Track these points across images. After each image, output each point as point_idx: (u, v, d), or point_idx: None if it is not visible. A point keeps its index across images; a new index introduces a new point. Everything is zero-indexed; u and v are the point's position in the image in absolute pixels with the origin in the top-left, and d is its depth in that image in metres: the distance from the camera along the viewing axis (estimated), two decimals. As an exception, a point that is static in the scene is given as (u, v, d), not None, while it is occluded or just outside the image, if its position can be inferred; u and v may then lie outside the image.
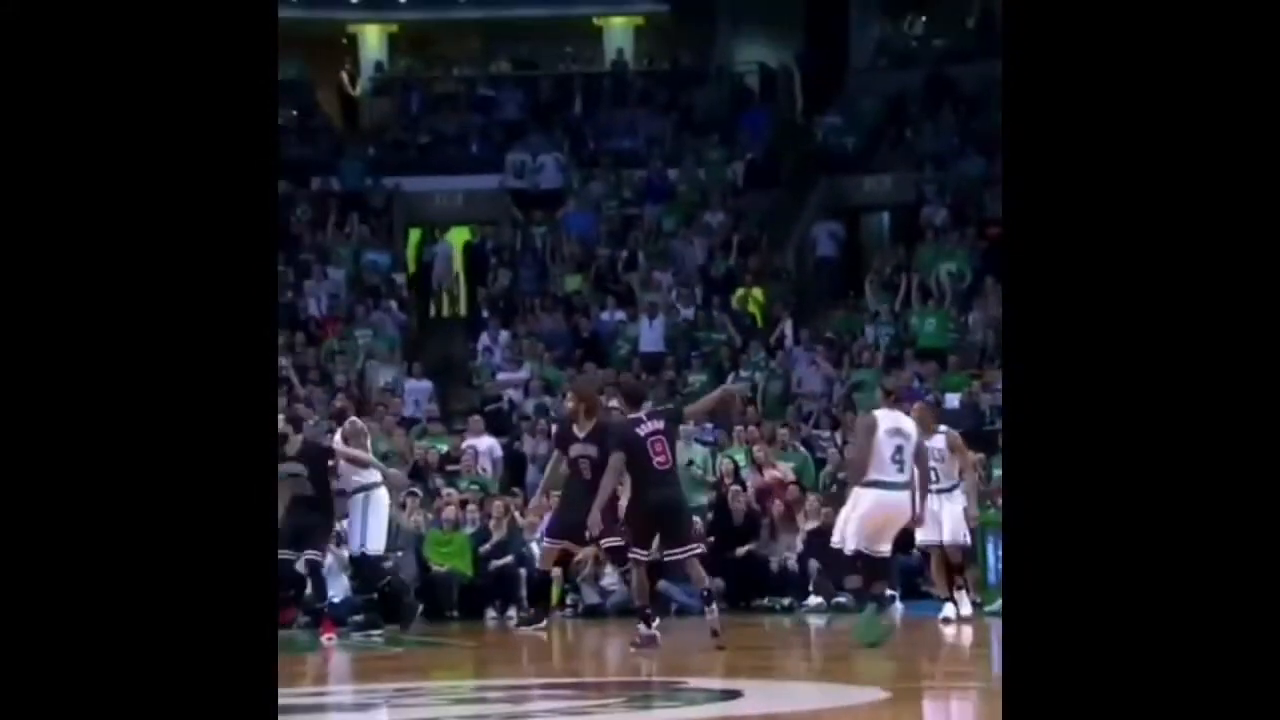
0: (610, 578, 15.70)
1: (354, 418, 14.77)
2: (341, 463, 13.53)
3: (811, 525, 16.38)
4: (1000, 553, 14.64)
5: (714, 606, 11.36)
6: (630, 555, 11.39)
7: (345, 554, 15.01)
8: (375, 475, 13.79)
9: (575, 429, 12.57)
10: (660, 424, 11.19)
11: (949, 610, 13.22)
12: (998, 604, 14.53)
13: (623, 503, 11.84)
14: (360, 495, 13.59)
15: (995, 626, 13.74)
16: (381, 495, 13.82)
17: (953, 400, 18.06)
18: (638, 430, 11.07)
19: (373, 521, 13.69)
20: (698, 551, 11.46)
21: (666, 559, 11.60)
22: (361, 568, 14.12)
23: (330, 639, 13.22)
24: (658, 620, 11.55)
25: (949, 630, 12.80)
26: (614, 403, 18.34)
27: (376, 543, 13.83)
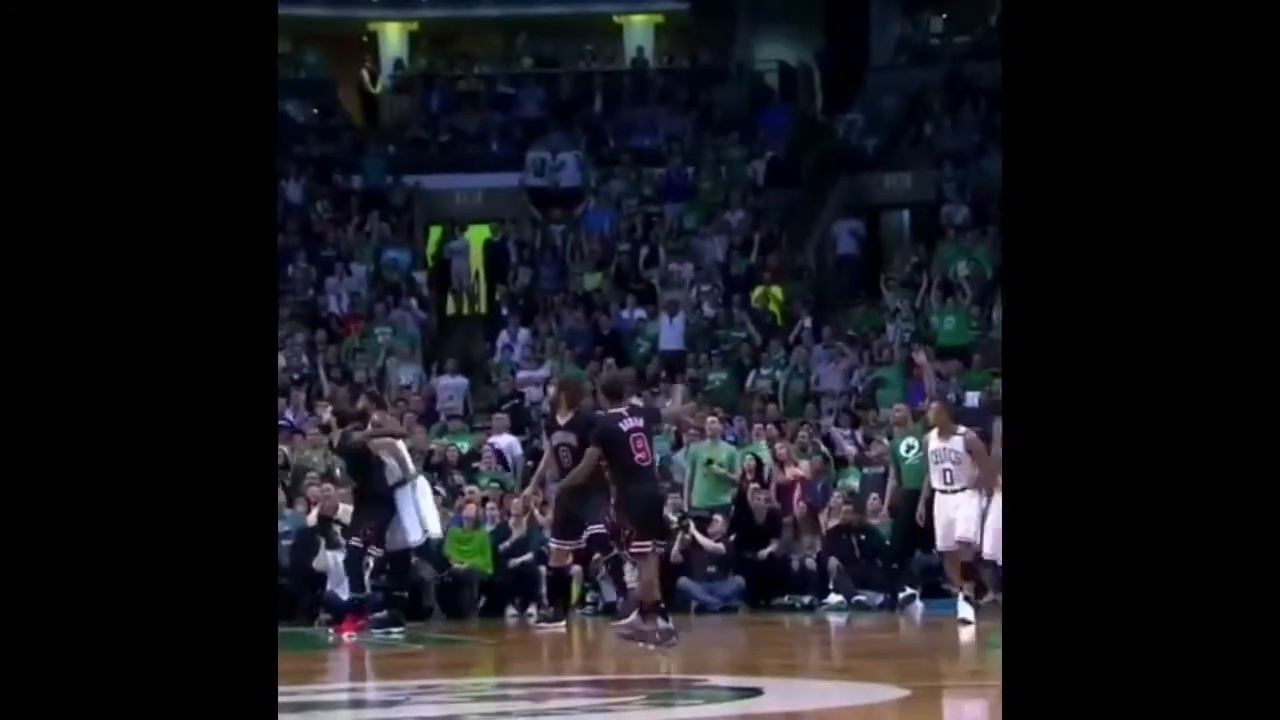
0: (631, 575, 15.70)
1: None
2: (384, 457, 13.65)
3: (833, 524, 16.38)
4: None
5: (643, 618, 11.34)
6: (633, 551, 11.47)
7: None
8: (411, 467, 13.97)
9: (557, 417, 12.75)
10: (641, 421, 11.34)
11: (965, 609, 13.11)
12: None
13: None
14: (406, 487, 13.73)
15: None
16: (423, 482, 14.03)
17: (972, 399, 18.02)
18: (620, 425, 11.19)
19: (425, 506, 13.89)
20: (662, 549, 11.73)
21: (631, 552, 11.71)
22: (426, 556, 14.29)
23: (350, 635, 13.27)
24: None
25: (969, 629, 12.78)
26: (634, 400, 18.39)
27: (435, 526, 14.06)
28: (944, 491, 13.03)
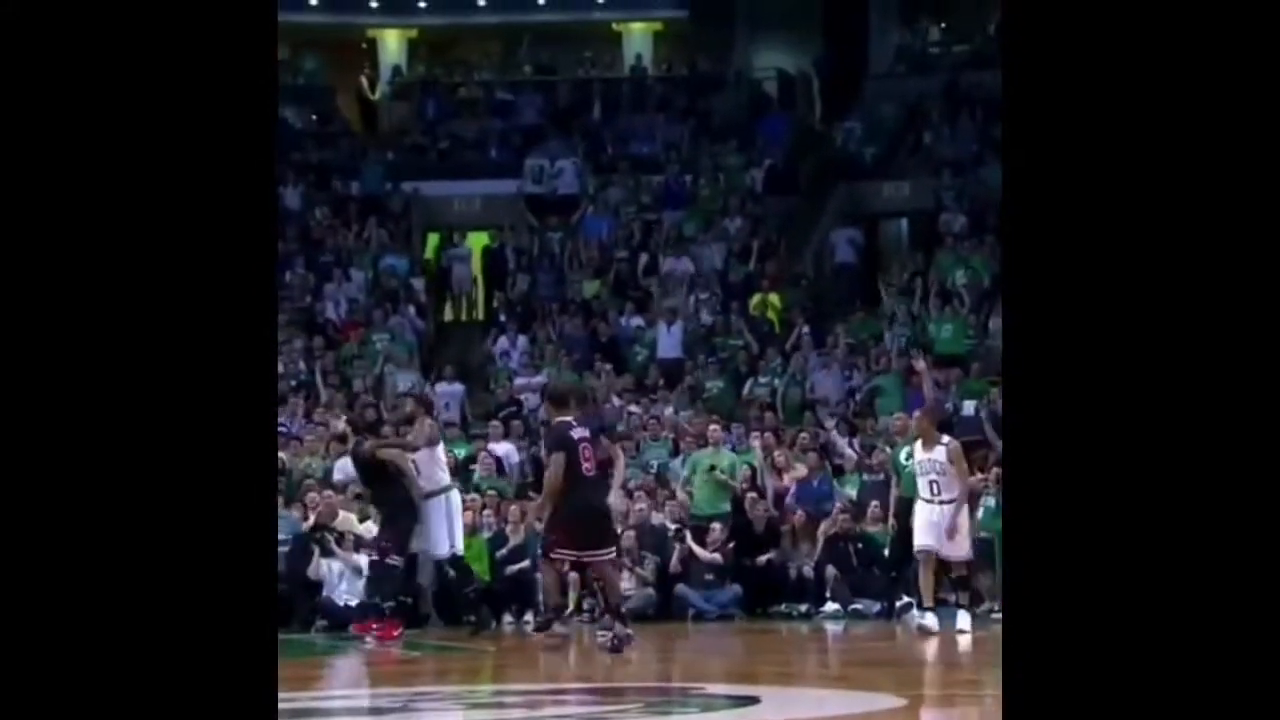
0: (627, 582, 15.72)
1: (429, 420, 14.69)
2: (417, 465, 13.62)
3: (831, 532, 16.36)
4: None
5: (620, 623, 11.53)
6: (553, 555, 11.74)
7: (357, 559, 15.10)
8: (448, 478, 13.95)
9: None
10: (587, 431, 11.52)
11: (929, 620, 13.00)
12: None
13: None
14: (441, 498, 13.72)
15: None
16: (456, 496, 14.02)
17: (969, 408, 18.02)
18: (571, 433, 11.40)
19: (456, 520, 13.89)
20: (610, 556, 11.78)
21: (584, 560, 11.92)
22: (455, 570, 14.27)
23: (380, 640, 13.23)
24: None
25: (965, 638, 12.78)
26: (634, 407, 18.38)
27: (460, 541, 14.07)
28: (929, 502, 12.99)
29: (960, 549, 13.04)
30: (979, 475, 14.81)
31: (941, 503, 12.88)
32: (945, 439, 13.26)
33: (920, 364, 16.65)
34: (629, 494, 16.26)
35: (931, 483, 12.89)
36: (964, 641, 12.58)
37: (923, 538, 13.01)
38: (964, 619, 13.06)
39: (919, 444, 13.20)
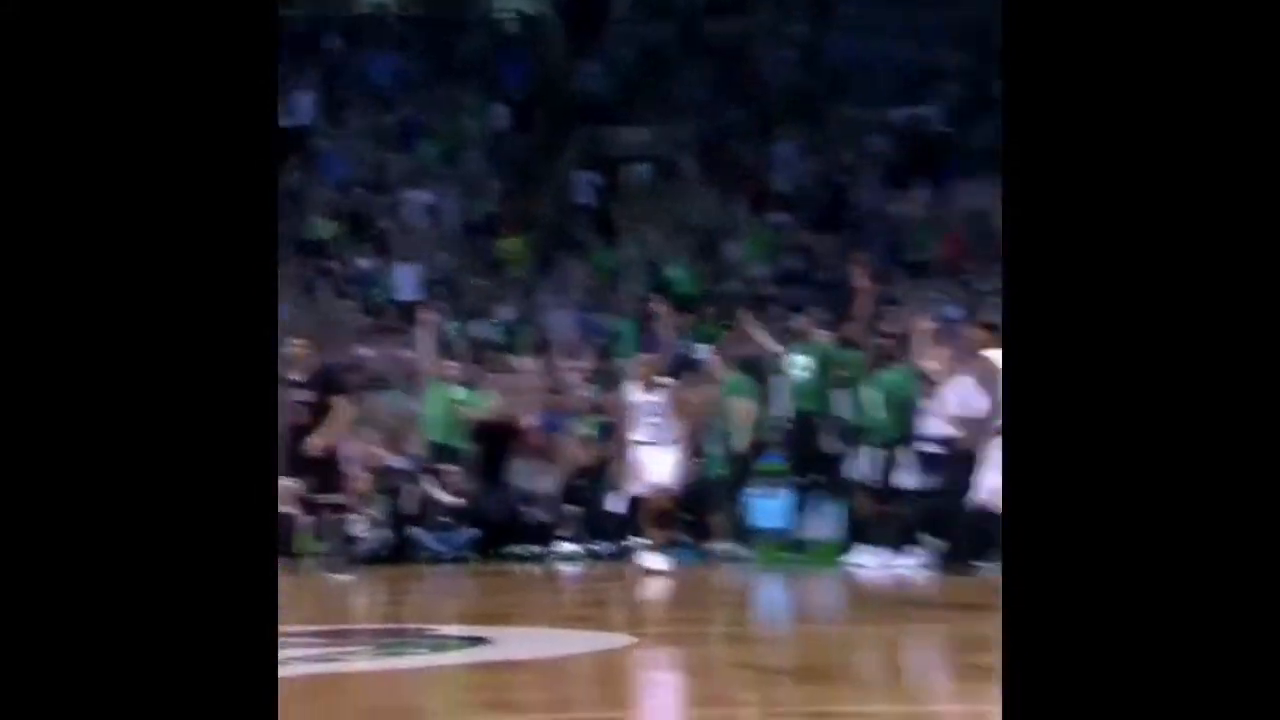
0: (359, 525, 15.64)
1: None
2: None
3: (567, 473, 16.51)
4: (759, 500, 15.06)
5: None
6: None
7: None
8: None
9: (292, 374, 12.94)
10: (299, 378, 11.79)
11: (654, 560, 13.19)
12: (732, 547, 14.89)
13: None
14: None
15: (737, 573, 14.06)
16: None
17: (702, 351, 18.31)
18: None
19: None
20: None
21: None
22: None
23: None
24: None
25: (694, 577, 13.05)
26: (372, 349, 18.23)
27: None
28: (647, 444, 13.25)
29: (672, 482, 13.34)
30: (703, 414, 15.11)
31: (658, 444, 13.15)
32: (666, 381, 13.53)
33: (661, 307, 16.86)
34: (360, 434, 16.16)
35: (652, 425, 13.15)
36: (690, 580, 12.85)
37: (636, 483, 13.32)
38: (658, 559, 13.20)
39: (636, 386, 13.45)
